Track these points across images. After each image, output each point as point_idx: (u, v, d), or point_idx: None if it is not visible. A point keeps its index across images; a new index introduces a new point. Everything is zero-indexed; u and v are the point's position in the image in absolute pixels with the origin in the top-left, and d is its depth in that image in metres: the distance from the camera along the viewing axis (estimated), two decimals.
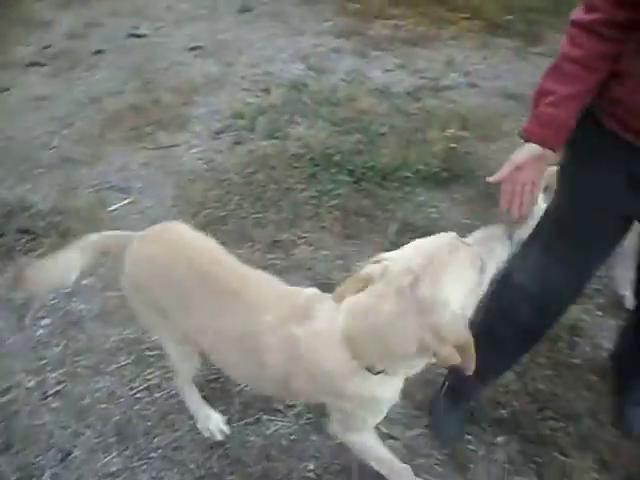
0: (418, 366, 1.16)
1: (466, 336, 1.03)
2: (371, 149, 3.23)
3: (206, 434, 1.82)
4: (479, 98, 3.92)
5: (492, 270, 1.17)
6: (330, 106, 3.75)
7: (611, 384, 1.94)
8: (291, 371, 1.26)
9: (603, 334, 2.14)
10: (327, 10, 5.51)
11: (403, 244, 2.51)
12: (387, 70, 4.38)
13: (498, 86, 4.10)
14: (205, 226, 2.68)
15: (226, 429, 1.83)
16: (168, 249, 1.44)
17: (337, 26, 5.15)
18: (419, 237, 2.35)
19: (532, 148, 1.23)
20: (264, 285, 1.40)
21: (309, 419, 1.87)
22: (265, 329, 1.26)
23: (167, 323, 1.49)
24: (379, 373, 1.14)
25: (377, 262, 1.15)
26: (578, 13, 1.18)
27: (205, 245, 1.46)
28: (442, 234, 1.17)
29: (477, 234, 1.21)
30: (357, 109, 3.70)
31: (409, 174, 2.97)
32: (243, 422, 1.87)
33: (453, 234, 1.16)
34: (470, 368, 1.06)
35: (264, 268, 2.43)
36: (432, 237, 1.16)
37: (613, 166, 1.26)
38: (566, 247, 1.38)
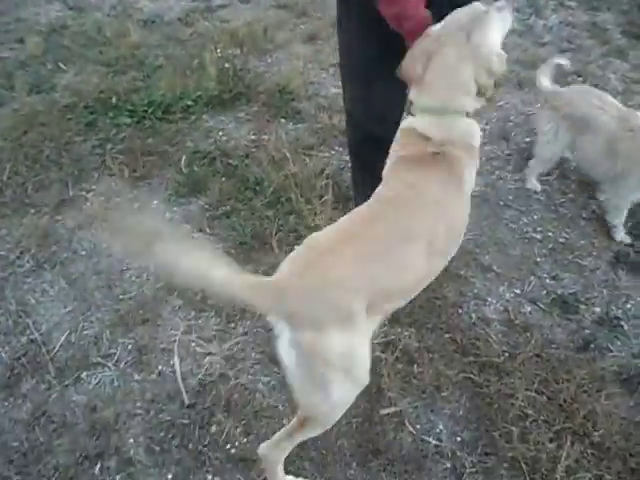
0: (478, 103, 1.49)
1: (505, 69, 1.45)
2: (149, 84, 3.11)
3: None
4: (252, 13, 3.90)
5: (509, 19, 1.51)
6: (98, 46, 3.50)
7: None
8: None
9: None
10: None
11: (195, 173, 2.46)
12: None
13: None
14: None
15: None
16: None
17: None
18: (210, 163, 2.27)
19: None
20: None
21: (128, 362, 1.90)
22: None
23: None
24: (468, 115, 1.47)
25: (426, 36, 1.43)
26: None
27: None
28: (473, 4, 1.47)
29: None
30: (128, 45, 3.50)
31: (190, 102, 2.93)
32: (62, 385, 1.84)
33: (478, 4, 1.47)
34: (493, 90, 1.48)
35: (54, 231, 2.37)
36: (464, 8, 1.45)
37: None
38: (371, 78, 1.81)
